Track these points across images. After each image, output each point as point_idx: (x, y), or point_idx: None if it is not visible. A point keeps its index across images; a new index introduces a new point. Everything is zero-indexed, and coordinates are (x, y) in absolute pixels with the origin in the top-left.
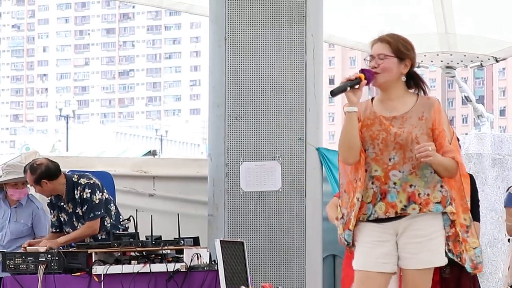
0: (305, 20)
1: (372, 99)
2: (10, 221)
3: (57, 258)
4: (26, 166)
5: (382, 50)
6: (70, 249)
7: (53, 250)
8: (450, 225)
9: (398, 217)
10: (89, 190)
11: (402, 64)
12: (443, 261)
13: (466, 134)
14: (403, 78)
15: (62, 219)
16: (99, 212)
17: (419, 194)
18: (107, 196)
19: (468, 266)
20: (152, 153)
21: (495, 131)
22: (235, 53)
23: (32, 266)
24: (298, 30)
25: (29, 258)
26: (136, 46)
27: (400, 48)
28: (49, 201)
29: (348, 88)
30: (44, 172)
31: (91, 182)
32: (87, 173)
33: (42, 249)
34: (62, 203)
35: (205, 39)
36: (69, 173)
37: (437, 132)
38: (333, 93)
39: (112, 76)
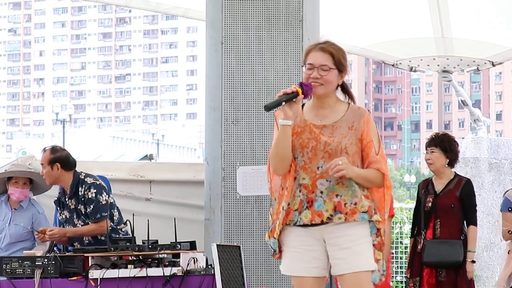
0: (302, 24)
1: (303, 106)
2: (10, 223)
3: (53, 262)
4: (45, 147)
5: (325, 61)
6: (67, 253)
7: (49, 255)
8: (376, 233)
9: (324, 223)
10: (95, 190)
11: (340, 75)
12: (372, 266)
13: (463, 138)
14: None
15: (63, 216)
16: (106, 213)
17: (345, 204)
18: (111, 200)
19: (376, 278)
20: (149, 157)
21: (492, 135)
22: (231, 57)
23: (29, 270)
24: (295, 34)
25: (25, 262)
26: (133, 51)
27: (341, 61)
28: (56, 198)
29: (283, 103)
30: (63, 157)
31: (97, 183)
32: (93, 175)
33: (38, 253)
34: (65, 199)
35: (202, 43)
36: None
37: (364, 143)
38: (267, 108)
39: (108, 80)
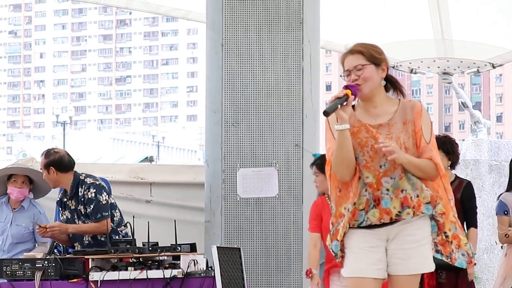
0: (302, 26)
1: (353, 106)
2: (11, 224)
3: (53, 264)
4: (44, 151)
5: (357, 61)
6: (67, 256)
7: (49, 257)
8: (437, 232)
9: (391, 222)
10: (94, 190)
11: (379, 69)
12: (432, 267)
13: (463, 140)
14: (383, 83)
15: (64, 217)
16: (106, 213)
17: (411, 198)
18: (112, 201)
19: (462, 262)
20: (149, 159)
21: (492, 137)
22: (232, 59)
23: (29, 272)
24: (295, 36)
25: (26, 264)
26: (133, 52)
27: (373, 54)
28: (58, 199)
29: (339, 106)
30: (56, 160)
31: (97, 183)
32: (94, 175)
33: (39, 255)
34: (65, 199)
35: (202, 45)
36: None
37: (415, 134)
38: (327, 113)
39: (109, 82)
